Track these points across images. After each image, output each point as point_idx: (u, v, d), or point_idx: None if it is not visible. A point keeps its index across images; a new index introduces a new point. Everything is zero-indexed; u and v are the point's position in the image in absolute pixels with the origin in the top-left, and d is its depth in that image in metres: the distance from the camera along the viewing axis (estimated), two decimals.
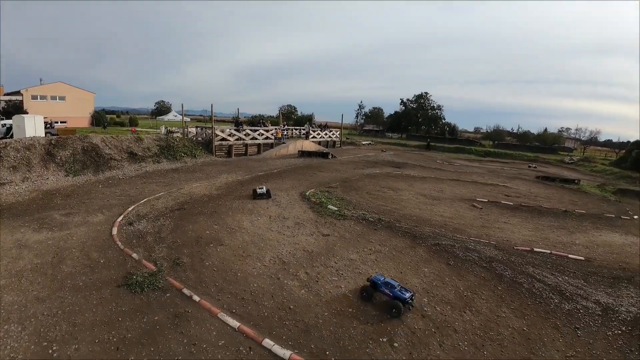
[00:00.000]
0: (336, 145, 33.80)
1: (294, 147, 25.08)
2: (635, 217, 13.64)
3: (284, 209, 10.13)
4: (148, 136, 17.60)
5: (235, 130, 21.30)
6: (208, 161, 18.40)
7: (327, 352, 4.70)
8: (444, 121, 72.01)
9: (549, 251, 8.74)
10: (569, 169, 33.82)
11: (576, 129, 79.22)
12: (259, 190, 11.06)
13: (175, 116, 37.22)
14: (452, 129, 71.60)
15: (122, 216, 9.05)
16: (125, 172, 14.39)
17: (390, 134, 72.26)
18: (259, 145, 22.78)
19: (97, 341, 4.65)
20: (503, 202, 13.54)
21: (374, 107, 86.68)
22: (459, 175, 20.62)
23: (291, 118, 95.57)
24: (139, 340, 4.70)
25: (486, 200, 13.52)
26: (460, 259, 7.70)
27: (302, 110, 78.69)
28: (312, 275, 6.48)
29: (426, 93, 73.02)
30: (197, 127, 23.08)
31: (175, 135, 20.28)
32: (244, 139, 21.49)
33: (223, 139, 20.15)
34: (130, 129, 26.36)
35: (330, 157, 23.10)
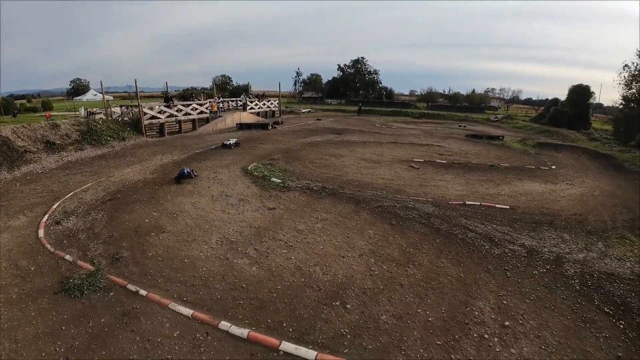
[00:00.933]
0: (276, 115, 33.06)
1: (231, 119, 24.02)
2: (553, 167, 15.41)
3: (227, 187, 9.83)
4: (65, 121, 15.54)
5: (165, 106, 19.71)
6: (139, 143, 16.92)
7: (284, 324, 4.79)
8: (380, 85, 73.56)
9: (478, 203, 9.59)
10: (494, 126, 36.84)
11: (500, 89, 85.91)
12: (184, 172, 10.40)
13: (95, 95, 33.32)
14: (389, 92, 73.61)
15: (47, 215, 8.11)
16: (44, 164, 12.72)
17: (330, 100, 72.38)
18: (193, 120, 21.45)
19: (43, 354, 4.25)
20: (437, 161, 14.46)
21: (311, 74, 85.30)
22: (396, 137, 21.49)
23: (226, 89, 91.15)
24: (88, 347, 4.38)
25: (422, 160, 14.32)
26: (402, 218, 8.17)
27: (238, 80, 75.29)
28: (261, 251, 6.45)
29: (362, 58, 73.58)
30: (121, 106, 20.86)
31: (97, 117, 18.21)
32: (176, 115, 20.02)
33: (153, 117, 18.56)
34: (44, 114, 23.17)
35: (270, 127, 22.60)
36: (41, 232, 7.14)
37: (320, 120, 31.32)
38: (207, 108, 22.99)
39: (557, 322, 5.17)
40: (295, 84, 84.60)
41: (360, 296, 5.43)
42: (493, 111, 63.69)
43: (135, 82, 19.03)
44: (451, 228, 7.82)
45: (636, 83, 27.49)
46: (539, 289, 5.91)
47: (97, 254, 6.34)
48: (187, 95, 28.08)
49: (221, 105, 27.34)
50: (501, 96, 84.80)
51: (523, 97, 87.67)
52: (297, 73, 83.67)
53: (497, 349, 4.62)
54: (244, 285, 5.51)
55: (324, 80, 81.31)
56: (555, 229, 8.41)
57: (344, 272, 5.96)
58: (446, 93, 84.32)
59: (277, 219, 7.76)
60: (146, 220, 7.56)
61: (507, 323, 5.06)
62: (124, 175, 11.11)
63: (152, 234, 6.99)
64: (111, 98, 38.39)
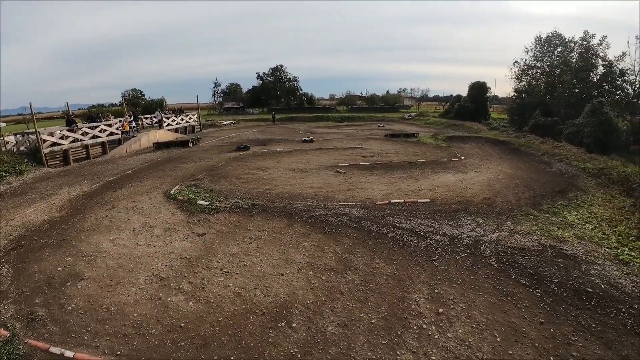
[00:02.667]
0: (196, 130, 31.51)
1: (147, 139, 22.22)
2: (462, 157, 17.09)
3: (149, 216, 8.98)
4: None
5: (68, 130, 17.46)
6: (40, 175, 14.58)
7: (232, 358, 4.55)
8: (301, 92, 74.73)
9: (402, 200, 10.22)
10: (409, 123, 39.85)
11: (411, 89, 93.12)
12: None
13: None
14: (310, 98, 75.16)
15: None
16: None
17: (251, 110, 71.43)
18: (102, 143, 19.34)
19: None
20: (361, 163, 15.10)
21: (230, 84, 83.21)
22: (321, 143, 21.95)
23: (138, 104, 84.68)
24: None
25: (347, 165, 14.83)
26: (334, 225, 8.34)
27: (150, 93, 70.73)
28: (196, 283, 6.04)
29: (281, 65, 74.11)
30: (15, 134, 17.86)
31: None
32: (82, 139, 17.89)
33: (54, 144, 16.28)
34: None
35: (191, 144, 21.37)
36: None
37: (244, 132, 30.61)
38: (117, 128, 21.00)
39: (482, 300, 5.73)
40: (214, 95, 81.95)
41: (304, 312, 5.40)
42: (407, 109, 68.94)
43: (31, 105, 16.37)
44: (381, 228, 8.20)
45: (525, 76, 32.10)
46: (464, 273, 6.49)
47: (9, 316, 5.35)
48: (93, 115, 25.34)
49: (134, 124, 25.19)
50: (412, 95, 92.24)
51: (431, 94, 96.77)
52: (215, 84, 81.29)
53: (436, 336, 4.95)
54: (182, 325, 5.11)
55: (244, 90, 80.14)
56: (470, 214, 9.33)
57: (285, 291, 5.88)
58: (364, 95, 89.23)
59: (209, 245, 7.34)
60: (59, 269, 6.55)
61: (440, 310, 5.46)
62: (26, 216, 9.46)
63: (69, 283, 6.08)
64: (3, 125, 33.08)
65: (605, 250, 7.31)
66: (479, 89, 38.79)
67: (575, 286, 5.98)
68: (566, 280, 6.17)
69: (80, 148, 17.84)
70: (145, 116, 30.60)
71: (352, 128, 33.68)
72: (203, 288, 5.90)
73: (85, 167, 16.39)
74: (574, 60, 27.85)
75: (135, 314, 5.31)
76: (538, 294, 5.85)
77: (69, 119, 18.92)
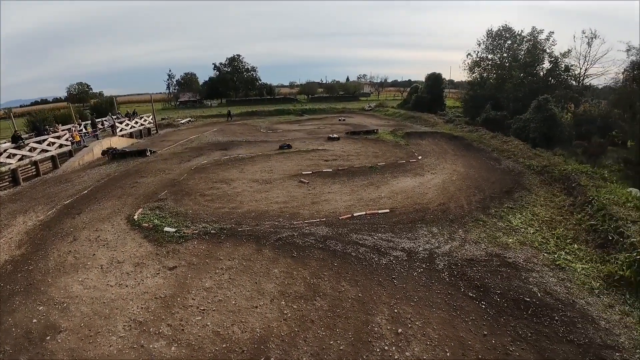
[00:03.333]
0: (152, 132, 30.28)
1: (100, 149, 21.23)
2: (419, 157, 18.02)
3: (115, 249, 8.89)
4: None
5: (14, 147, 16.35)
6: None
7: None
8: (260, 82, 73.52)
9: (364, 212, 10.83)
10: (369, 115, 40.77)
11: (370, 75, 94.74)
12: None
13: None
14: (270, 89, 74.21)
15: None
16: None
17: (209, 102, 69.54)
18: (52, 157, 18.30)
19: None
20: (324, 170, 15.56)
21: (185, 73, 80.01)
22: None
23: (85, 99, 79.32)
24: None
25: (310, 172, 15.23)
26: (301, 247, 8.79)
27: (98, 86, 66.41)
28: (175, 325, 6.25)
29: (238, 55, 72.39)
30: None
31: None
32: (30, 156, 16.83)
33: (1, 164, 15.19)
34: None
35: (149, 153, 20.67)
36: None
37: (203, 133, 29.79)
38: (67, 139, 19.91)
39: (436, 317, 6.47)
40: (168, 87, 78.54)
41: (280, 345, 5.85)
42: (367, 97, 70.21)
43: None
44: (345, 247, 8.76)
45: (477, 68, 33.90)
46: (419, 290, 7.21)
47: None
48: (38, 125, 23.68)
49: (84, 131, 23.89)
50: (372, 81, 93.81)
51: (390, 79, 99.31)
52: (169, 75, 77.72)
53: (396, 356, 5.61)
54: None
55: (201, 80, 77.46)
56: (427, 224, 10.12)
57: (260, 324, 6.27)
58: (324, 82, 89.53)
59: (182, 280, 7.51)
60: (34, 320, 6.44)
61: (400, 330, 6.13)
62: None
63: (48, 337, 6.03)
64: None
65: (543, 255, 8.35)
66: (435, 80, 40.57)
67: (515, 296, 6.88)
68: (507, 290, 7.07)
69: (29, 165, 16.81)
70: (97, 120, 28.93)
71: (313, 124, 33.95)
72: (182, 330, 6.14)
73: (37, 186, 15.52)
74: (522, 54, 29.81)
75: None
76: (483, 306, 6.68)
77: (15, 135, 17.65)
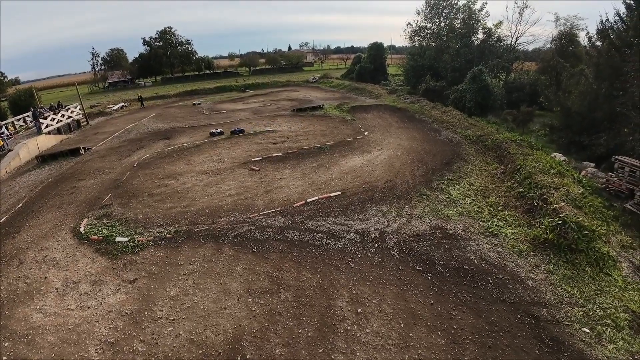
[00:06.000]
0: (82, 124, 27.70)
1: (27, 151, 19.14)
2: (366, 133, 18.62)
3: (67, 269, 8.50)
4: None
5: None
6: None
7: None
8: (197, 56, 69.30)
9: (317, 197, 11.28)
10: (314, 88, 40.59)
11: (313, 44, 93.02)
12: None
13: None
14: (209, 63, 70.36)
15: None
16: None
17: (143, 81, 64.55)
18: None
19: None
20: (274, 154, 15.64)
21: (112, 49, 72.46)
22: (228, 128, 21.53)
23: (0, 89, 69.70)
24: None
25: (260, 158, 15.25)
26: (260, 241, 9.10)
27: (12, 71, 58.68)
28: (147, 340, 6.37)
29: (170, 28, 67.18)
30: None
31: None
32: None
33: None
34: None
35: (82, 151, 19.04)
36: None
37: (140, 120, 27.87)
38: None
39: (389, 292, 7.24)
40: (93, 67, 71.04)
41: (253, 342, 6.27)
42: (310, 68, 69.39)
43: None
44: (302, 236, 9.22)
45: (417, 37, 34.79)
46: (374, 269, 7.93)
47: None
48: None
49: (5, 133, 21.40)
50: (315, 49, 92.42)
51: (333, 46, 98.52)
52: (93, 54, 70.05)
53: (358, 334, 6.31)
54: None
55: (130, 57, 70.94)
56: (376, 203, 10.84)
57: (231, 325, 6.62)
58: (265, 52, 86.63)
59: (145, 292, 7.52)
60: (4, 358, 6.16)
61: (359, 310, 6.82)
62: None
63: None
64: None
65: (479, 224, 9.45)
66: (377, 50, 41.21)
67: (455, 265, 7.86)
68: (449, 260, 8.03)
69: None
70: (17, 117, 25.90)
71: (258, 101, 33.20)
72: (156, 343, 6.29)
73: None
74: (458, 26, 31.04)
75: None
76: (429, 278, 7.57)
77: None
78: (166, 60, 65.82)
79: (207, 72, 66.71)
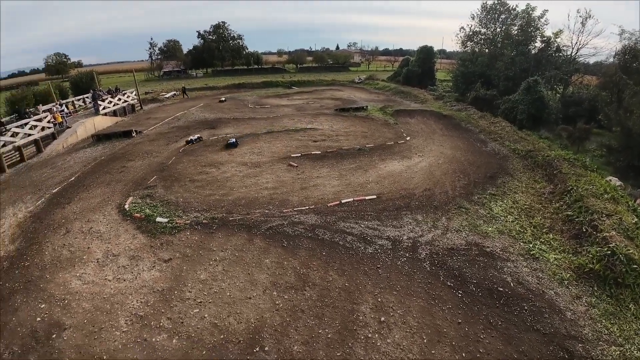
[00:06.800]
0: (136, 109, 29.46)
1: (84, 130, 20.67)
2: (408, 138, 18.23)
3: (109, 242, 9.08)
4: None
5: None
6: None
7: None
8: (247, 51, 71.41)
9: (352, 199, 11.17)
10: (358, 89, 40.38)
11: (361, 45, 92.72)
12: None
13: None
14: (257, 58, 72.25)
15: None
16: None
17: (195, 72, 67.58)
18: (36, 141, 17.96)
19: None
20: (313, 152, 15.70)
21: (169, 41, 76.59)
22: (271, 123, 21.99)
23: (63, 70, 76.15)
24: None
25: (299, 155, 15.37)
26: (291, 236, 9.16)
27: (75, 55, 63.79)
28: (174, 318, 6.63)
29: (224, 23, 69.64)
30: None
31: None
32: (13, 141, 16.37)
33: None
34: None
35: (134, 133, 20.27)
36: None
37: (190, 109, 29.10)
38: (49, 121, 19.44)
39: (416, 305, 7.00)
40: (150, 56, 75.56)
41: (273, 335, 6.32)
42: (356, 68, 69.19)
43: None
44: (333, 236, 9.16)
45: (470, 42, 33.55)
46: (402, 279, 7.70)
47: None
48: (19, 108, 22.93)
49: (65, 111, 23.23)
50: (362, 49, 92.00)
51: (381, 48, 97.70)
52: (151, 44, 74.54)
53: (379, 343, 6.16)
54: None
55: (184, 49, 74.54)
56: (412, 211, 10.53)
57: (254, 315, 6.72)
58: (313, 50, 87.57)
59: (177, 272, 7.84)
60: (38, 319, 6.71)
61: (382, 319, 6.65)
62: None
63: (54, 335, 6.32)
64: None
65: (520, 244, 8.89)
66: (426, 54, 40.22)
67: (489, 285, 7.44)
68: (483, 279, 7.62)
69: (13, 151, 16.50)
70: (77, 97, 27.98)
71: (302, 98, 33.53)
72: (182, 323, 6.55)
73: (22, 173, 15.33)
74: (515, 32, 29.51)
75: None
76: (459, 295, 7.23)
77: None
78: (218, 53, 68.30)
79: (256, 66, 68.53)
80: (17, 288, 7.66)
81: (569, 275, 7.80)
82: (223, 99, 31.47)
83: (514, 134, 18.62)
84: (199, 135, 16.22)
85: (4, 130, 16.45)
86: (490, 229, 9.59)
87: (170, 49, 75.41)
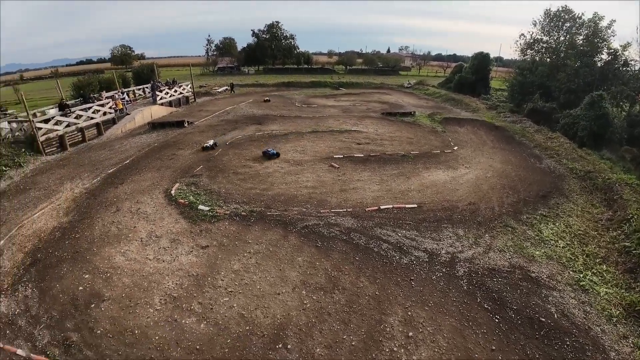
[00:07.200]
0: (190, 101, 31.04)
1: (141, 117, 22.11)
2: (455, 147, 17.52)
3: (154, 223, 9.61)
4: None
5: (62, 115, 17.46)
6: (39, 166, 14.76)
7: None
8: (298, 51, 72.69)
9: (391, 206, 10.89)
10: (407, 94, 39.56)
11: (413, 48, 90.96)
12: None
13: None
14: (307, 58, 73.29)
15: None
16: None
17: (247, 69, 69.89)
18: (97, 124, 19.45)
19: None
20: (355, 155, 15.54)
21: (224, 38, 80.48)
22: (317, 122, 22.09)
23: (127, 61, 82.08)
24: None
25: (342, 156, 15.28)
26: (326, 238, 9.10)
27: (139, 47, 68.62)
28: (205, 303, 6.85)
29: (277, 22, 71.72)
30: (9, 121, 17.72)
31: None
32: (76, 123, 17.93)
33: (49, 130, 16.37)
34: None
35: (186, 124, 21.35)
36: None
37: (239, 104, 30.07)
38: (111, 107, 20.97)
39: (447, 324, 6.64)
40: (207, 52, 79.51)
41: (297, 334, 6.30)
42: (407, 72, 67.81)
43: (22, 96, 16.42)
44: (368, 242, 8.98)
45: (530, 50, 31.64)
46: (436, 295, 7.35)
47: (46, 342, 6.04)
48: (83, 93, 25.01)
49: (126, 99, 24.94)
50: (414, 54, 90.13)
51: (434, 52, 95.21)
52: (208, 40, 78.64)
53: (403, 359, 5.88)
54: (197, 347, 5.98)
55: (239, 46, 77.69)
56: (453, 224, 10.05)
57: (281, 312, 6.75)
58: (363, 52, 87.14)
59: (213, 260, 8.10)
60: (80, 288, 7.24)
61: (410, 334, 6.38)
62: (35, 222, 9.93)
63: (92, 305, 6.79)
64: None
65: (569, 273, 8.15)
66: (481, 60, 38.29)
67: (530, 314, 6.88)
68: (524, 307, 7.07)
69: (76, 132, 17.99)
70: (138, 87, 29.93)
71: (349, 99, 33.42)
72: (211, 309, 6.75)
73: (83, 152, 16.70)
74: (579, 42, 27.38)
75: (156, 337, 6.15)
76: (496, 320, 6.75)
77: (62, 104, 18.84)
78: (270, 51, 70.25)
79: (305, 66, 69.43)
80: (65, 257, 8.32)
81: (618, 312, 7.02)
82: (267, 98, 31.92)
83: (572, 152, 17.22)
84: (214, 141, 16.16)
85: (69, 112, 17.95)
86: (537, 252, 8.90)
87: (226, 46, 78.92)
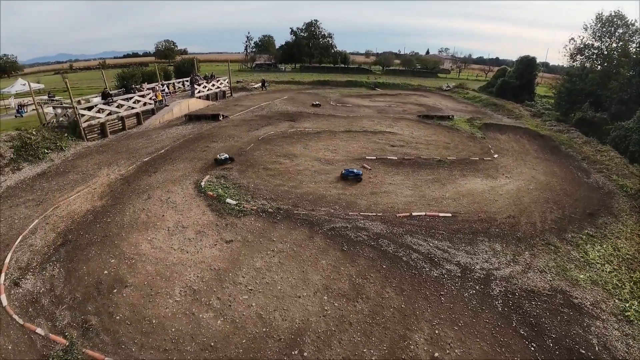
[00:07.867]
0: (227, 95, 31.60)
1: (179, 109, 22.69)
2: (495, 155, 16.58)
3: (182, 213, 9.68)
4: None
5: (104, 103, 18.22)
6: (80, 151, 15.47)
7: None
8: (335, 50, 72.40)
9: (424, 213, 10.36)
10: (446, 97, 38.22)
11: (454, 51, 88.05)
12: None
13: (24, 85, 29.56)
14: (344, 57, 72.86)
15: (3, 274, 7.31)
16: None
17: (284, 66, 70.53)
18: (137, 114, 20.12)
19: None
20: (389, 157, 15.04)
21: (263, 36, 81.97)
22: (350, 122, 21.72)
23: (170, 55, 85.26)
24: None
25: (374, 158, 14.84)
26: (353, 242, 8.75)
27: (182, 43, 71.13)
28: (223, 299, 6.74)
29: (316, 21, 71.75)
30: (55, 107, 18.74)
31: (29, 109, 16.08)
32: (117, 112, 18.65)
33: (92, 117, 17.12)
34: None
35: (221, 117, 21.66)
36: (4, 299, 6.65)
37: (274, 100, 30.21)
38: (151, 98, 21.64)
39: (477, 348, 6.11)
40: (246, 49, 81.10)
41: (315, 342, 6.02)
42: (446, 75, 65.77)
43: (67, 84, 17.35)
44: (397, 250, 8.53)
45: (580, 56, 29.57)
46: (467, 314, 6.81)
47: (65, 323, 6.16)
48: (126, 84, 26.08)
49: (166, 91, 25.70)
50: (454, 56, 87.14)
51: (475, 55, 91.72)
52: (248, 37, 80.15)
53: None
54: (212, 344, 5.86)
55: (277, 44, 78.67)
56: (489, 238, 9.38)
57: (300, 316, 6.50)
58: (401, 53, 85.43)
59: (235, 255, 7.99)
60: (105, 272, 7.38)
61: (436, 354, 5.91)
62: (71, 203, 10.36)
63: (115, 290, 6.89)
64: (41, 86, 34.67)
65: (614, 301, 7.34)
66: (527, 64, 36.19)
67: (570, 344, 6.21)
68: (564, 336, 6.39)
69: (116, 120, 18.70)
70: (178, 80, 30.83)
71: (385, 100, 32.71)
72: (230, 306, 6.62)
73: (121, 141, 17.30)
74: (633, 50, 25.21)
75: (173, 329, 6.10)
76: (532, 349, 6.13)
77: (105, 93, 19.64)
78: (307, 50, 70.41)
79: (342, 65, 68.98)
80: (94, 240, 8.51)
81: None
82: (317, 102, 29.12)
83: (623, 168, 15.77)
84: (227, 155, 13.70)
85: (111, 101, 18.65)
86: (582, 276, 8.08)
87: (264, 43, 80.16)
